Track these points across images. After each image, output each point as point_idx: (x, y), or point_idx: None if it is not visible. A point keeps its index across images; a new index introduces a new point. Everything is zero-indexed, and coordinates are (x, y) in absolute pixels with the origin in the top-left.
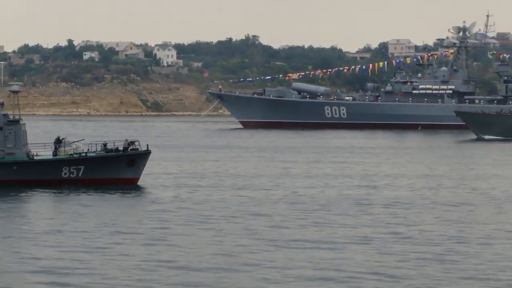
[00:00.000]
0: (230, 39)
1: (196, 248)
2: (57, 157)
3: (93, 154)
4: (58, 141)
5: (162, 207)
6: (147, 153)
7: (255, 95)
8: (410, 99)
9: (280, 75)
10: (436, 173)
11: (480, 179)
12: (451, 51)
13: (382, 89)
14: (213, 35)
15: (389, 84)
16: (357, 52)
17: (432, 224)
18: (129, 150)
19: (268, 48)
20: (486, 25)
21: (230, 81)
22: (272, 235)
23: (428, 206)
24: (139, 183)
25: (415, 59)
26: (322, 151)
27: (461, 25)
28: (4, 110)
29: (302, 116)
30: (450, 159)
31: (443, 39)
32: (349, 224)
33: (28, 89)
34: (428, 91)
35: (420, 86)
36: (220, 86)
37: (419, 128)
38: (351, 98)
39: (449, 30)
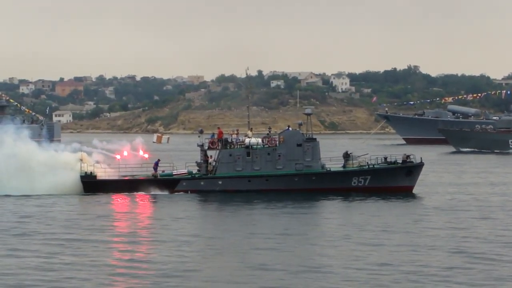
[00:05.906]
0: (395, 68)
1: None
2: (348, 168)
3: (378, 166)
4: (347, 155)
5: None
6: (421, 164)
7: (416, 116)
8: None
9: (437, 99)
10: None
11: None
12: None
13: None
14: (380, 65)
15: None
16: (503, 78)
17: None
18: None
19: (427, 76)
20: None
21: (395, 104)
22: None
23: None
24: (413, 190)
25: None
26: None
27: None
28: (301, 130)
29: None
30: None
31: None
32: None
33: (224, 112)
34: None
35: None
36: (386, 109)
37: None
38: (497, 117)
39: None
